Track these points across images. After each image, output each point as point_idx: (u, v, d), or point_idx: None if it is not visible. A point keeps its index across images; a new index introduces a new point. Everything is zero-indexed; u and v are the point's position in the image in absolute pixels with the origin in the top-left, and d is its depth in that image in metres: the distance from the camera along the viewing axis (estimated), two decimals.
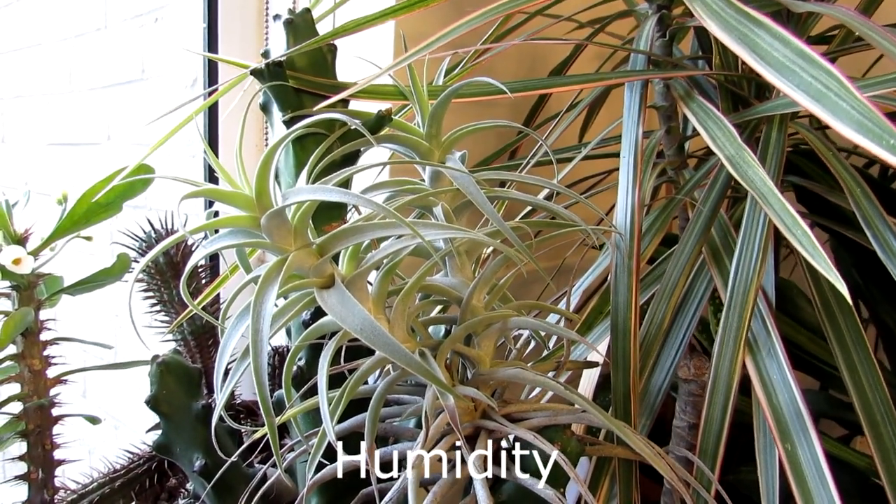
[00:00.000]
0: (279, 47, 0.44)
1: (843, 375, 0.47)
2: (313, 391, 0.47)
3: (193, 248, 0.73)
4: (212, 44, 0.91)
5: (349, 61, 0.54)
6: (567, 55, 0.77)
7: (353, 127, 0.48)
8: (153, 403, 0.53)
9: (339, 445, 0.39)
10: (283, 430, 0.61)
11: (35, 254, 0.59)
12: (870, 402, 0.46)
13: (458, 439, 0.40)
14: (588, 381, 0.58)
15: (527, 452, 0.41)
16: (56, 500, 0.62)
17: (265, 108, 0.47)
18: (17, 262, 0.55)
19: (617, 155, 0.52)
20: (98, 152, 1.24)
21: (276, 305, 0.36)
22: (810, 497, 0.36)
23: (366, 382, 0.43)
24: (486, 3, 0.44)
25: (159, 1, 1.05)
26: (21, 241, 0.58)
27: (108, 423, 1.27)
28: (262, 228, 0.36)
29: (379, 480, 0.40)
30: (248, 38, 0.93)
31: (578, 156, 0.59)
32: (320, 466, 0.43)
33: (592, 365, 0.53)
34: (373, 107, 0.47)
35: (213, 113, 0.94)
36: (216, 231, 0.39)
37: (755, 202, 0.45)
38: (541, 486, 0.38)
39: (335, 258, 0.39)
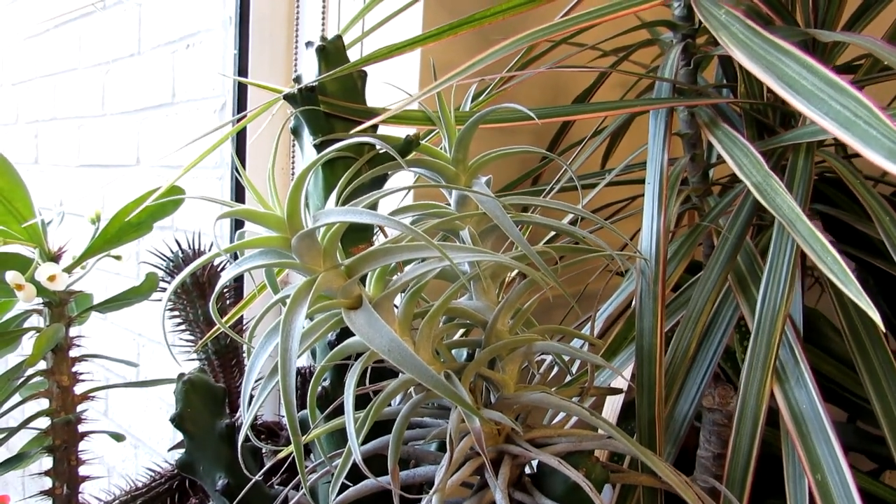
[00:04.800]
0: (311, 73, 0.45)
1: (873, 406, 0.47)
2: (337, 412, 0.47)
3: (220, 270, 0.74)
4: (242, 70, 0.93)
5: (378, 87, 0.55)
6: (590, 83, 0.78)
7: (381, 151, 0.49)
8: (178, 421, 0.53)
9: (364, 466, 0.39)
10: (306, 451, 0.61)
11: (68, 271, 0.60)
12: None
13: (482, 463, 0.40)
14: (611, 409, 0.57)
15: (551, 478, 0.41)
16: None
17: (296, 131, 0.48)
18: (52, 278, 0.57)
19: (641, 181, 0.52)
20: (128, 174, 1.27)
21: (302, 326, 0.36)
22: None
23: (389, 405, 0.43)
24: (512, 33, 0.45)
25: (192, 28, 1.08)
26: (55, 258, 0.59)
27: (128, 443, 1.28)
28: (292, 249, 0.37)
29: (402, 501, 0.40)
30: (278, 65, 0.96)
31: (602, 182, 0.60)
32: (343, 488, 0.43)
33: (617, 392, 0.53)
34: (401, 132, 0.47)
35: (241, 138, 0.96)
36: (243, 252, 0.40)
37: (782, 229, 0.45)
38: None
39: (362, 280, 0.39)
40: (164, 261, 0.72)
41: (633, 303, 0.50)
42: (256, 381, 0.38)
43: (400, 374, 0.41)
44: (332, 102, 0.45)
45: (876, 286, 0.78)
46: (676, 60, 0.57)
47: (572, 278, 0.73)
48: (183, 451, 0.56)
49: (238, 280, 0.92)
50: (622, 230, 0.51)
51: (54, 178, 1.50)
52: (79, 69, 1.39)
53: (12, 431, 0.60)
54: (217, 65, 1.01)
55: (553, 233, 0.65)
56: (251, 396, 0.38)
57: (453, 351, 0.51)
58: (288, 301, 0.36)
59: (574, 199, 0.54)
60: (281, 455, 0.48)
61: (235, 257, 0.44)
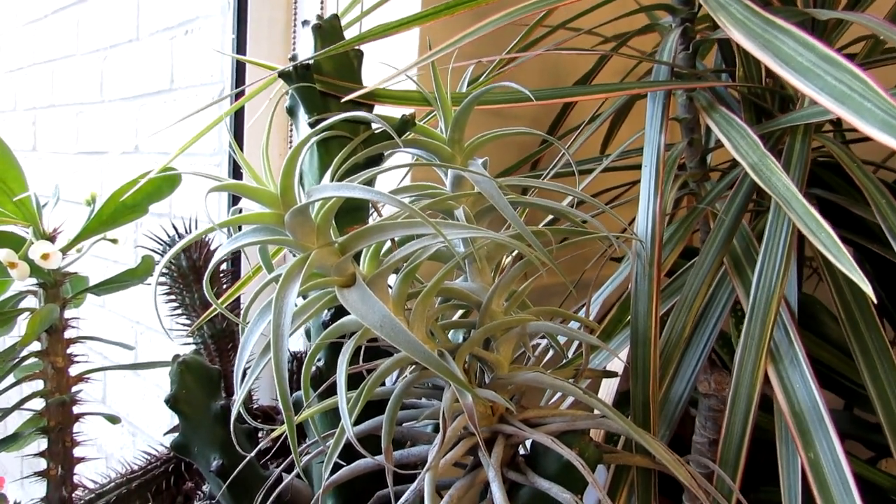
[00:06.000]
0: (307, 51, 0.45)
1: (868, 391, 0.46)
2: (331, 392, 0.47)
3: (215, 253, 0.74)
4: (240, 54, 0.93)
5: (376, 68, 0.55)
6: (589, 69, 0.77)
7: (376, 131, 0.48)
8: (173, 402, 0.53)
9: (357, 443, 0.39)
10: (300, 434, 0.61)
11: (63, 252, 0.60)
12: None
13: (476, 442, 0.40)
14: (606, 394, 0.57)
15: (544, 457, 0.41)
16: (74, 498, 0.62)
17: (291, 111, 0.48)
18: (45, 257, 0.56)
19: (639, 167, 0.52)
20: (125, 161, 1.27)
21: (295, 304, 0.36)
22: None
23: (384, 385, 0.43)
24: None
25: (191, 14, 1.07)
26: (50, 239, 0.59)
27: (126, 430, 1.28)
28: (285, 225, 0.37)
29: (395, 482, 0.40)
30: (276, 50, 0.95)
31: (600, 167, 0.59)
32: (336, 468, 0.43)
33: (611, 374, 0.53)
34: (397, 112, 0.47)
35: (238, 125, 0.96)
36: (240, 229, 0.39)
37: (778, 210, 0.45)
38: (558, 491, 0.38)
39: (356, 258, 0.39)
40: (161, 244, 0.71)
41: (629, 287, 0.50)
42: (249, 361, 0.38)
43: (394, 354, 0.41)
44: (327, 81, 0.45)
45: (875, 276, 0.78)
46: (675, 44, 0.56)
47: (570, 266, 0.74)
48: (178, 433, 0.56)
49: (235, 264, 0.92)
50: (621, 216, 0.51)
51: (52, 166, 1.50)
52: (77, 55, 1.39)
53: (6, 412, 0.60)
54: (216, 50, 1.01)
55: (550, 217, 0.65)
56: (244, 372, 0.38)
57: (449, 334, 0.51)
58: (281, 278, 0.36)
59: (572, 184, 0.54)
60: (274, 434, 0.48)
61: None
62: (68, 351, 0.63)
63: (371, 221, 0.52)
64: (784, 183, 0.37)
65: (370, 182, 0.41)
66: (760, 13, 0.39)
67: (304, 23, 0.46)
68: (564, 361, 0.52)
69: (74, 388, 0.64)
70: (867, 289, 0.27)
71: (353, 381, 0.42)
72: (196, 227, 0.77)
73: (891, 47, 0.61)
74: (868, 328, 0.49)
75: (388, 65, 0.54)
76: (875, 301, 0.31)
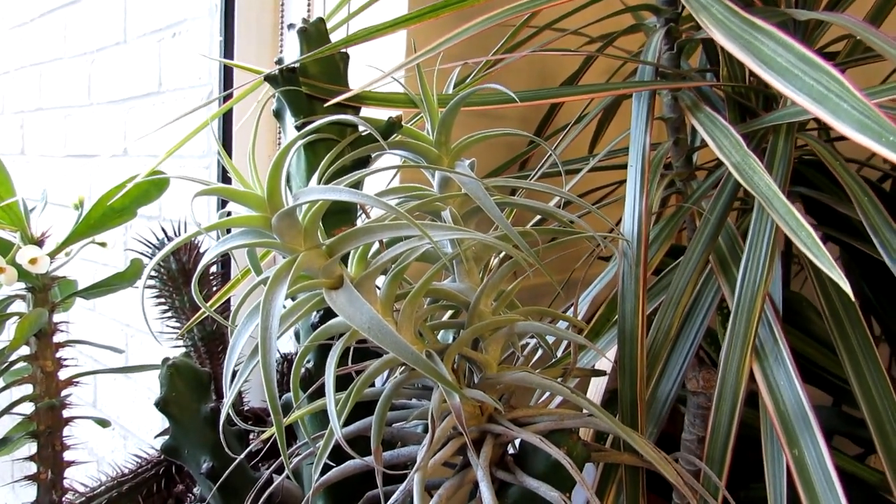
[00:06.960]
0: (293, 55, 0.45)
1: (853, 387, 0.47)
2: (321, 393, 0.47)
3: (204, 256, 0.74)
4: (228, 58, 0.93)
5: (363, 71, 0.55)
6: (575, 70, 0.78)
7: (363, 133, 0.48)
8: (162, 405, 0.53)
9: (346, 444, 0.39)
10: (291, 436, 0.61)
11: (51, 256, 0.60)
12: (880, 414, 0.45)
13: (464, 443, 0.40)
14: (594, 393, 0.58)
15: (533, 456, 0.41)
16: (64, 502, 0.62)
17: (278, 114, 0.48)
18: (33, 261, 0.56)
19: (625, 166, 0.53)
20: (114, 164, 1.26)
21: (284, 307, 0.36)
22: (818, 502, 0.36)
23: (373, 386, 0.43)
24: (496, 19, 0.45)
25: (178, 16, 1.07)
26: (37, 243, 0.59)
27: (117, 433, 1.27)
28: (272, 228, 0.37)
29: (385, 483, 0.40)
30: (264, 52, 0.95)
31: (586, 167, 0.60)
32: (326, 469, 0.43)
33: (600, 373, 0.53)
34: (384, 114, 0.47)
35: (227, 128, 0.95)
36: (228, 232, 0.40)
37: (762, 209, 0.46)
38: (546, 490, 0.38)
39: (344, 260, 0.39)
40: (150, 248, 0.71)
41: (616, 286, 0.50)
42: (238, 363, 0.38)
43: (383, 355, 0.41)
44: (313, 84, 0.45)
45: (861, 273, 0.78)
46: (659, 44, 0.57)
47: (558, 265, 0.74)
48: (168, 436, 0.56)
49: (225, 266, 0.92)
50: (609, 216, 0.52)
51: (41, 169, 1.49)
52: (64, 58, 1.38)
53: None
54: (203, 53, 1.01)
55: (538, 218, 0.65)
56: (234, 374, 0.38)
57: (439, 335, 0.51)
58: (268, 281, 0.36)
59: (560, 184, 0.54)
60: (264, 436, 0.48)
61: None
62: (57, 355, 0.63)
63: (359, 223, 0.52)
64: (766, 182, 0.37)
65: (357, 184, 0.41)
66: (741, 14, 0.39)
67: (290, 26, 0.47)
68: (553, 361, 0.52)
69: (64, 392, 0.63)
70: (845, 286, 0.27)
71: (343, 383, 0.42)
72: (186, 230, 0.77)
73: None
74: (852, 325, 0.49)
75: (374, 67, 0.54)
76: (853, 298, 0.32)
